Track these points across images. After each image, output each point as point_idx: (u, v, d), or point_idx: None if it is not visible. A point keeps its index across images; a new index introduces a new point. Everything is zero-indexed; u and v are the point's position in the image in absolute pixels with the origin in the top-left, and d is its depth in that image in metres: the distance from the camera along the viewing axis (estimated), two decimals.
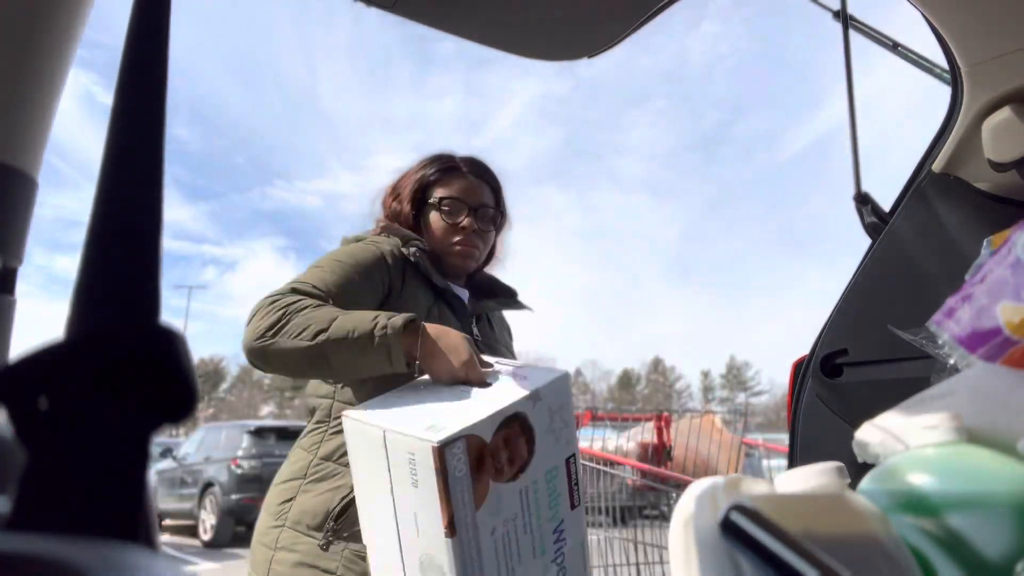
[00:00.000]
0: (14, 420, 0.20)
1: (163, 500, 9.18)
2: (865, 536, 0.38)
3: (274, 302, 1.01)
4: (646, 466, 4.33)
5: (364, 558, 1.00)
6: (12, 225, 0.52)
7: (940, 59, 1.07)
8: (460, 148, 1.38)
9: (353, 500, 1.02)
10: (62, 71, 0.54)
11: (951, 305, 0.62)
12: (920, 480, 0.44)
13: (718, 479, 0.39)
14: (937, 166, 1.10)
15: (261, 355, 0.98)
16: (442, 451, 0.71)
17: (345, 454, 1.01)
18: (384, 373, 0.99)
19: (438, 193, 1.29)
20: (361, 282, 1.13)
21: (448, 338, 0.96)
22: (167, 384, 0.22)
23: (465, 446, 0.72)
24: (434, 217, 1.29)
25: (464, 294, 1.32)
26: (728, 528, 0.34)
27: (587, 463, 3.75)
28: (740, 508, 0.34)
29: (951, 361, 0.64)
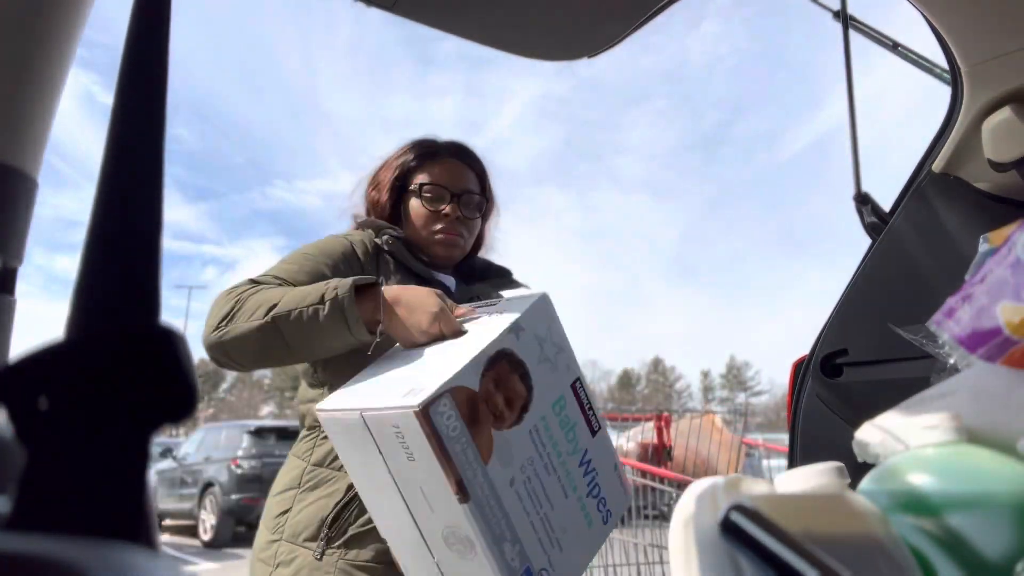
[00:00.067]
0: (14, 420, 0.20)
1: (163, 500, 9.17)
2: (865, 536, 0.38)
3: (229, 292, 0.97)
4: (646, 466, 4.32)
5: (359, 568, 0.97)
6: (12, 225, 0.52)
7: (940, 59, 1.07)
8: None
9: (347, 504, 1.00)
10: (62, 71, 0.54)
11: (951, 305, 0.62)
12: (920, 480, 0.44)
13: (718, 479, 0.39)
14: (937, 166, 1.11)
15: (219, 347, 0.93)
16: (427, 413, 0.65)
17: (337, 458, 0.98)
18: (347, 346, 0.92)
19: (418, 179, 1.22)
20: (330, 275, 1.05)
21: (411, 294, 0.88)
22: (167, 384, 0.22)
23: (452, 401, 0.66)
24: (415, 205, 1.21)
25: (450, 281, 1.24)
26: (728, 528, 0.34)
27: None
28: (740, 508, 0.34)
29: (951, 361, 0.64)
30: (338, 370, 1.04)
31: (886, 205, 1.19)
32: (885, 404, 0.57)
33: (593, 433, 0.79)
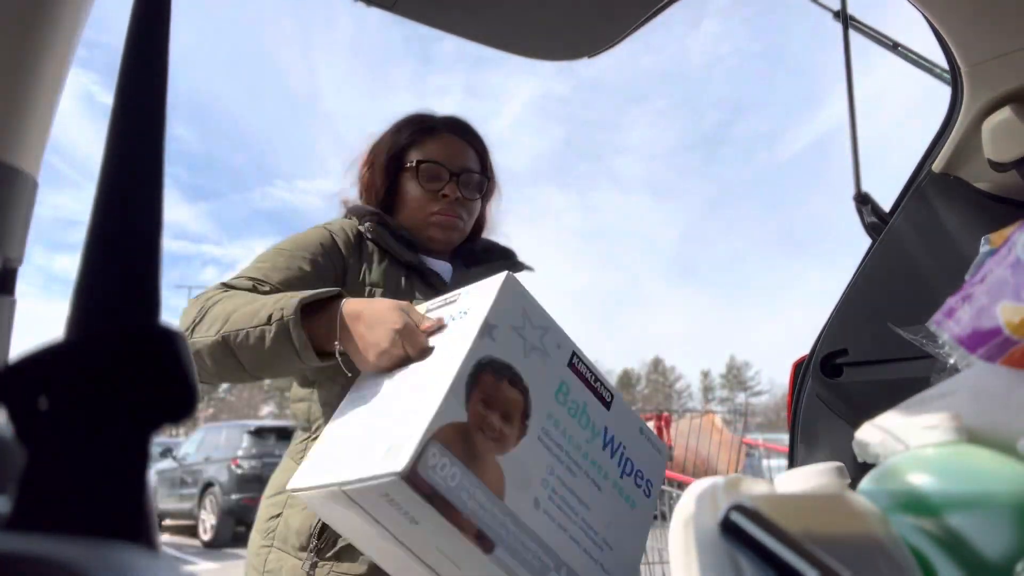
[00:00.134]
0: (14, 420, 0.20)
1: (163, 500, 9.18)
2: (865, 536, 0.38)
3: (196, 298, 0.90)
4: None
5: None
6: (12, 225, 0.52)
7: (940, 59, 1.07)
8: None
9: None
10: (62, 71, 0.54)
11: (951, 305, 0.62)
12: (920, 480, 0.44)
13: (718, 479, 0.39)
14: (937, 166, 1.11)
15: None
16: (415, 473, 0.55)
17: None
18: (299, 369, 0.83)
19: (413, 157, 1.11)
20: (309, 269, 0.98)
21: (372, 309, 0.77)
22: (167, 384, 0.22)
23: (441, 446, 0.57)
24: (410, 185, 1.11)
25: (445, 267, 1.14)
26: (728, 528, 0.34)
27: None
28: (740, 508, 0.34)
29: (951, 361, 0.64)
30: (323, 372, 0.98)
31: (886, 205, 1.19)
32: (885, 404, 0.57)
33: (607, 406, 0.71)
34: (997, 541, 0.40)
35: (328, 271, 1.00)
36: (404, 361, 0.72)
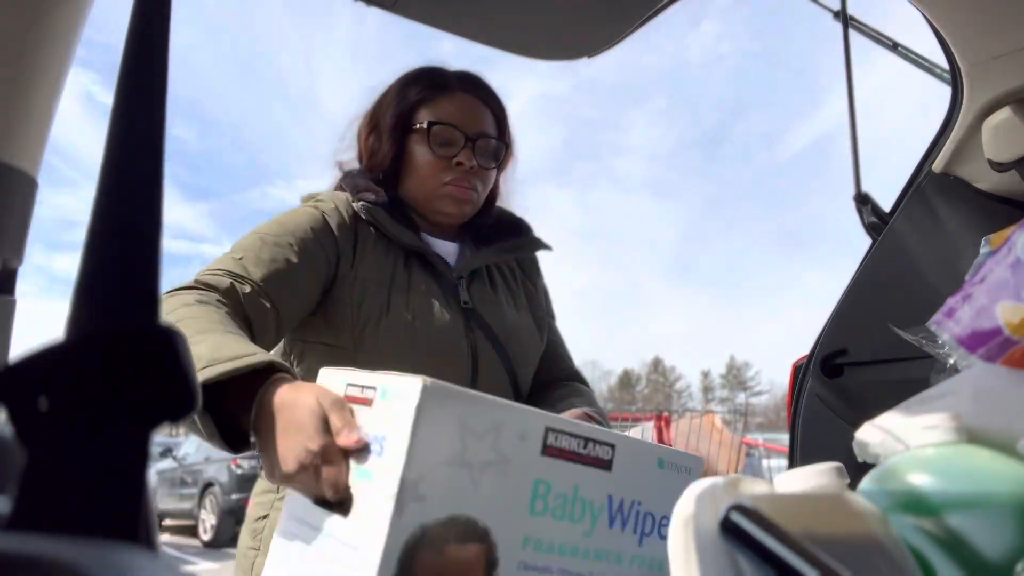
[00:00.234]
0: (14, 420, 0.20)
1: (163, 500, 9.18)
2: (865, 536, 0.38)
3: (172, 296, 0.77)
4: None
5: None
6: (12, 225, 0.52)
7: (940, 59, 1.07)
8: None
9: None
10: (62, 71, 0.54)
11: (951, 305, 0.62)
12: (920, 480, 0.44)
13: (718, 479, 0.39)
14: (937, 166, 1.11)
15: None
16: None
17: None
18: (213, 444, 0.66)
19: (424, 117, 0.96)
20: (296, 260, 0.85)
21: (292, 413, 0.55)
22: (167, 384, 0.22)
23: None
24: (420, 151, 0.96)
25: (450, 249, 1.02)
26: (728, 528, 0.34)
27: None
28: (740, 508, 0.34)
29: (951, 361, 0.64)
30: (314, 367, 0.85)
31: (886, 205, 1.19)
32: (885, 404, 0.57)
33: (608, 465, 0.54)
34: (997, 541, 0.40)
35: (319, 261, 0.88)
36: (316, 493, 0.53)
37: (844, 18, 1.20)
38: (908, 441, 0.49)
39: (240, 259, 0.83)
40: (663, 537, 0.56)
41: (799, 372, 1.22)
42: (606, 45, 1.12)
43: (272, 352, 0.91)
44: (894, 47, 1.23)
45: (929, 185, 1.12)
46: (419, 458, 0.46)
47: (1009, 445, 0.46)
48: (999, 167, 0.98)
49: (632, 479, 0.56)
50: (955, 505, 0.42)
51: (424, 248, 0.96)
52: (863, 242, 1.20)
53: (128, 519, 0.20)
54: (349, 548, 0.49)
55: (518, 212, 1.12)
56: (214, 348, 0.63)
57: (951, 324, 0.61)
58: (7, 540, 0.17)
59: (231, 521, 7.96)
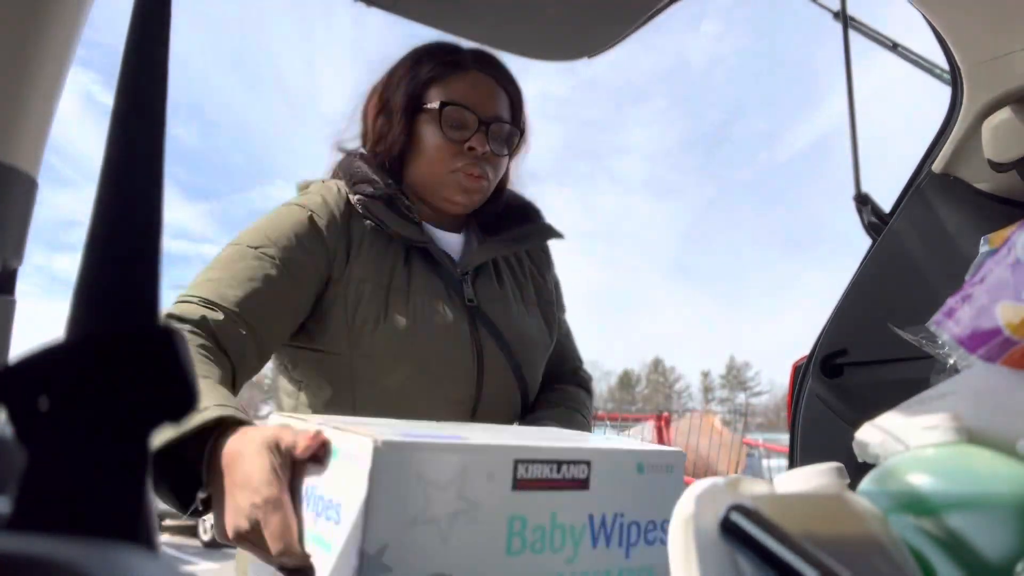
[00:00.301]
0: (14, 420, 0.20)
1: None
2: (865, 536, 0.38)
3: None
4: None
5: None
6: (12, 225, 0.51)
7: (940, 59, 1.07)
8: None
9: None
10: (61, 71, 0.54)
11: (951, 305, 0.62)
12: (920, 480, 0.44)
13: (718, 479, 0.39)
14: (937, 166, 1.11)
15: None
16: None
17: None
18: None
19: (436, 96, 0.89)
20: (275, 274, 0.78)
21: (240, 466, 0.51)
22: (167, 384, 0.21)
23: None
24: (429, 133, 0.89)
25: (454, 241, 0.96)
26: (728, 528, 0.34)
27: None
28: (740, 508, 0.34)
29: (951, 361, 0.64)
30: (309, 373, 0.86)
31: (886, 205, 1.19)
32: (885, 404, 0.57)
33: (585, 484, 0.51)
34: (997, 541, 0.40)
35: (304, 271, 0.81)
36: (268, 555, 0.49)
37: (844, 18, 1.20)
38: (908, 441, 0.49)
39: (215, 280, 0.77)
40: (650, 543, 0.55)
41: (799, 372, 1.22)
42: (606, 45, 1.12)
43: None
44: (894, 47, 1.23)
45: (929, 185, 1.12)
46: (379, 526, 0.43)
47: (1009, 445, 0.46)
48: (999, 167, 0.98)
49: (612, 492, 0.53)
50: (955, 505, 0.42)
51: (427, 242, 0.89)
52: (863, 242, 1.20)
53: (128, 519, 0.20)
54: None
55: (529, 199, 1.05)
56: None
57: (951, 324, 0.61)
58: (7, 540, 0.17)
59: None
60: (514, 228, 0.98)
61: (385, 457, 0.43)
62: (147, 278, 0.23)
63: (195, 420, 0.57)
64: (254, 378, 0.81)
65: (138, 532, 0.20)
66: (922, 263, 1.09)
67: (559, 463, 0.50)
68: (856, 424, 0.57)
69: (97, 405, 0.21)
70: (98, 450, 0.20)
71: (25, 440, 0.20)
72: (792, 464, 1.21)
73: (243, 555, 0.86)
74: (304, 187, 0.94)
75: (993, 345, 0.55)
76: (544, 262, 1.06)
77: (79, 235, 0.25)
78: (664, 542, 0.54)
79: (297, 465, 0.50)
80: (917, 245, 1.11)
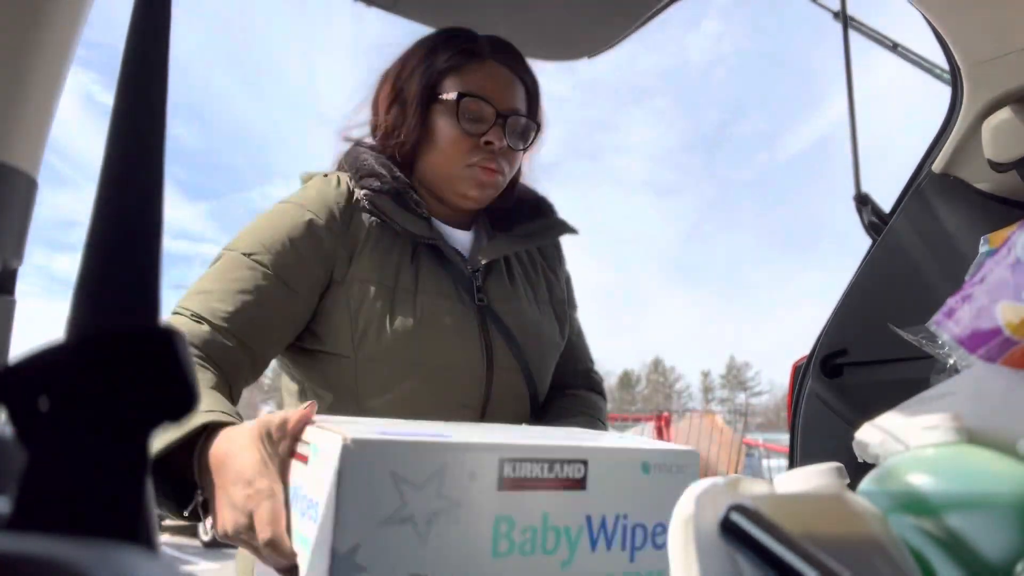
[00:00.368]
0: (14, 420, 0.20)
1: None
2: (865, 537, 0.38)
3: None
4: None
5: None
6: (12, 225, 0.52)
7: (940, 59, 1.07)
8: None
9: None
10: (61, 71, 0.54)
11: (951, 305, 0.62)
12: (920, 480, 0.44)
13: (718, 479, 0.39)
14: (937, 166, 1.10)
15: None
16: None
17: None
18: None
19: (452, 87, 0.85)
20: (267, 284, 0.76)
21: (233, 466, 0.52)
22: (167, 384, 0.21)
23: None
24: (444, 125, 0.85)
25: (464, 237, 0.93)
26: (728, 528, 0.34)
27: None
28: (740, 508, 0.34)
29: (951, 361, 0.64)
30: (309, 374, 0.86)
31: (886, 205, 1.19)
32: (885, 404, 0.57)
33: (582, 483, 0.49)
34: (997, 541, 0.40)
35: (302, 279, 0.79)
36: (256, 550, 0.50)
37: (844, 18, 1.20)
38: (908, 441, 0.49)
39: (207, 293, 0.75)
40: (658, 547, 0.52)
41: (799, 372, 1.22)
42: (606, 45, 1.12)
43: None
44: (894, 47, 1.23)
45: (929, 185, 1.12)
46: (350, 526, 0.42)
47: (1009, 445, 0.46)
48: (999, 167, 0.98)
49: (613, 493, 0.50)
50: (955, 505, 0.42)
51: (436, 239, 0.86)
52: (863, 242, 1.20)
53: (128, 519, 0.20)
54: None
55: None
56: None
57: (951, 324, 0.61)
58: (7, 540, 0.17)
59: None
60: (526, 223, 0.95)
61: (354, 455, 0.42)
62: (147, 278, 0.23)
63: (181, 430, 0.57)
64: None
65: (138, 532, 0.20)
66: (922, 263, 1.09)
67: (551, 462, 0.49)
68: (856, 424, 0.57)
69: (97, 405, 0.21)
70: (98, 450, 0.20)
71: (25, 440, 0.20)
72: (792, 464, 1.21)
73: (244, 555, 0.86)
74: (307, 179, 0.91)
75: (993, 345, 0.55)
76: (556, 258, 1.04)
77: (79, 235, 0.25)
78: None
79: (285, 464, 0.51)
80: (917, 245, 1.11)
